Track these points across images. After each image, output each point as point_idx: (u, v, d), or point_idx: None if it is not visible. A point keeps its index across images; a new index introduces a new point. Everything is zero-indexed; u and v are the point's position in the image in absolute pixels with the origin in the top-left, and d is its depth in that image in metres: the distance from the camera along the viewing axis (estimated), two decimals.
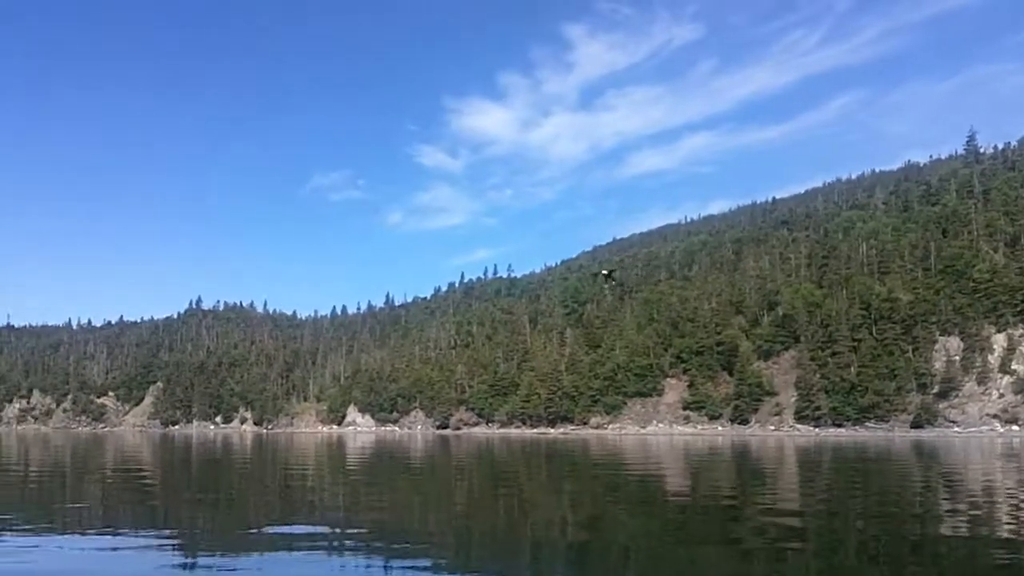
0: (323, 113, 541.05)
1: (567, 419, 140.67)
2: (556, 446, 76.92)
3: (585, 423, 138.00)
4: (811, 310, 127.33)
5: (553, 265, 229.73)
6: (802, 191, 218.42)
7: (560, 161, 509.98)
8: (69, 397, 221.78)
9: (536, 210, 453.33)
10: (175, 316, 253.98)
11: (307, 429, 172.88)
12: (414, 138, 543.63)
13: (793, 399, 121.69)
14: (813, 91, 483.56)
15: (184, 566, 13.38)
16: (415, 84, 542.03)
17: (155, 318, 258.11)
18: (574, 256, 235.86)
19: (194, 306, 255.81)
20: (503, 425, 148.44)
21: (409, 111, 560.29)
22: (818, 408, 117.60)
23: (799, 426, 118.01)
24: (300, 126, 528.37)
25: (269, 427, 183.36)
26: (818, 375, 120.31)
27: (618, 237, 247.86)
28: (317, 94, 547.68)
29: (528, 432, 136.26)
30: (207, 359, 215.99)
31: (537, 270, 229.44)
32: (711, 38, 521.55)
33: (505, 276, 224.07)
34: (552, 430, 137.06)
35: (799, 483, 32.88)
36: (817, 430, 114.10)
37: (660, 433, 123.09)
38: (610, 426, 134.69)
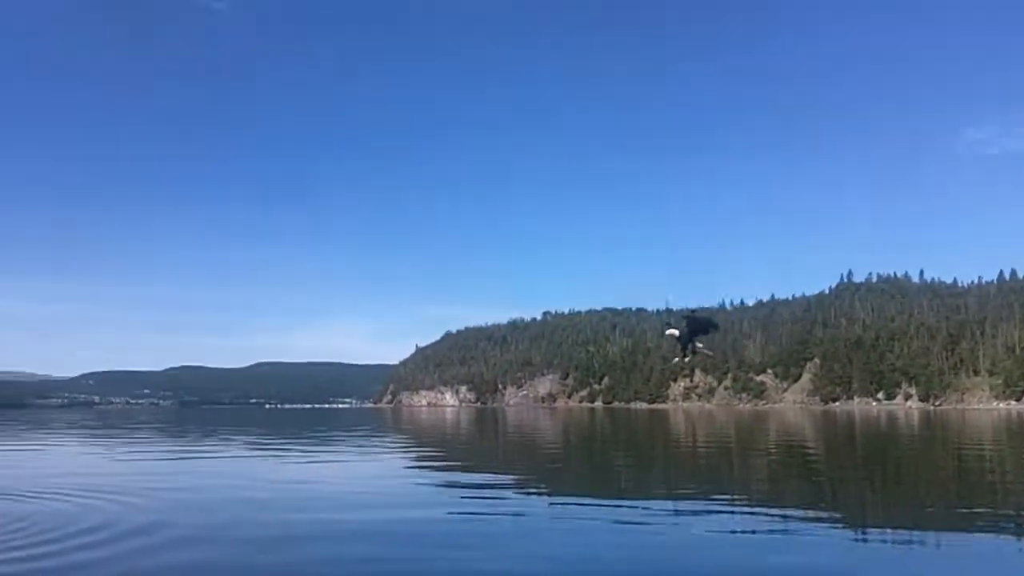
0: (974, 62, 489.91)
1: None
2: None
3: None
4: None
5: None
6: None
7: None
8: (729, 375, 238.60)
9: None
10: (826, 291, 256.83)
11: (980, 405, 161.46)
12: None
13: None
14: None
15: (856, 543, 13.05)
16: None
17: (806, 294, 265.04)
18: None
19: (845, 280, 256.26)
20: None
21: None
22: None
23: None
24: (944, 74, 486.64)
25: (936, 403, 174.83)
26: None
27: None
28: (957, 42, 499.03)
29: None
30: (863, 334, 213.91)
31: None
32: None
33: None
34: None
35: None
36: None
37: None
38: None
